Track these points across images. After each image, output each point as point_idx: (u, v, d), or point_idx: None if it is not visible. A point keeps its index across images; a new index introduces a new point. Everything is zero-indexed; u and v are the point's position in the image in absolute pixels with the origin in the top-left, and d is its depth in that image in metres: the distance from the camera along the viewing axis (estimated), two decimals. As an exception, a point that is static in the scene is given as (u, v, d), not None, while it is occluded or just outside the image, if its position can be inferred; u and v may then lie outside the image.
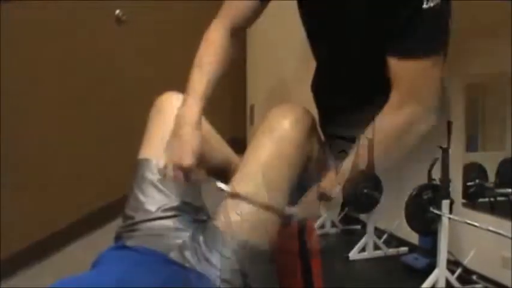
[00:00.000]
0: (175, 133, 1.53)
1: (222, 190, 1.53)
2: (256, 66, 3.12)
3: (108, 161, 2.97)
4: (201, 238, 1.49)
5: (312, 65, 2.92)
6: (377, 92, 1.45)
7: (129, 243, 1.55)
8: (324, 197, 1.51)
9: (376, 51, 1.41)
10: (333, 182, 1.52)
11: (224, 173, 1.92)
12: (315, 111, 1.66)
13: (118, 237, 1.62)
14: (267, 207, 1.49)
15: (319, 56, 1.60)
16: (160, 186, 1.62)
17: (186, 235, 1.54)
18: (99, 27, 2.68)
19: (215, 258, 1.44)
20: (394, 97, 1.37)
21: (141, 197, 1.61)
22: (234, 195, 1.49)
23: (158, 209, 1.59)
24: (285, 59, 3.04)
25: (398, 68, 1.34)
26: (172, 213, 1.59)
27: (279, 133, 1.55)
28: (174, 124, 1.54)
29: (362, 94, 1.50)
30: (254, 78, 3.18)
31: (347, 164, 1.51)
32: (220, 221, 1.49)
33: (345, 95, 1.55)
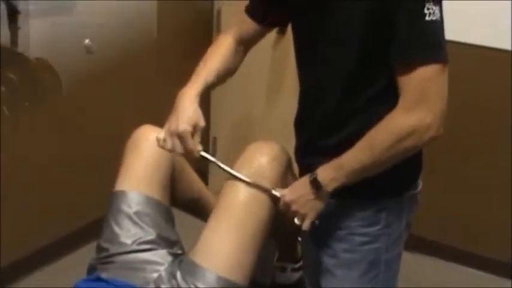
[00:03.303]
0: (174, 109, 1.56)
1: (224, 170, 1.59)
2: (221, 98, 3.14)
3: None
4: (178, 272, 1.50)
5: (279, 99, 2.94)
6: (364, 122, 1.44)
7: (104, 275, 1.54)
8: (316, 185, 1.45)
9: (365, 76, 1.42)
10: (330, 173, 1.45)
11: (196, 207, 1.93)
12: (287, 146, 1.68)
13: (92, 269, 1.61)
14: (256, 186, 1.54)
15: (305, 79, 1.59)
16: (136, 219, 1.62)
17: (162, 269, 1.54)
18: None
19: (193, 293, 1.45)
20: (402, 102, 1.37)
21: (117, 230, 1.61)
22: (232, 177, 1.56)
23: (134, 242, 1.59)
24: (251, 93, 3.07)
25: (406, 73, 1.34)
26: (148, 247, 1.58)
27: (255, 170, 1.58)
28: (174, 104, 1.57)
29: (346, 126, 1.49)
30: (218, 111, 3.19)
31: (349, 157, 1.43)
32: (198, 256, 1.50)
33: (329, 126, 1.53)
